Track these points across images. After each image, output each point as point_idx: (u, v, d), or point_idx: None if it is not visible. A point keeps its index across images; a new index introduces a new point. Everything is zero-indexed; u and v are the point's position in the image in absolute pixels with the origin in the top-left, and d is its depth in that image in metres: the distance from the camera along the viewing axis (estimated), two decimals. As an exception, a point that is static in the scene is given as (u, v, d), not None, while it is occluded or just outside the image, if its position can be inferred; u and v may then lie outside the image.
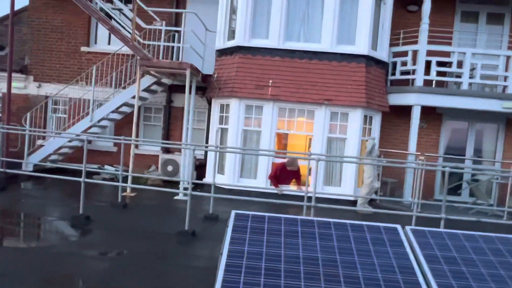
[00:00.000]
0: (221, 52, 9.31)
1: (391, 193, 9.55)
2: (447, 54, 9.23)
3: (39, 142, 9.94)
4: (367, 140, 8.80)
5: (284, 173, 8.57)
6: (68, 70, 10.70)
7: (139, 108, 10.55)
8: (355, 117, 8.63)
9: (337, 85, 8.57)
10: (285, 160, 8.37)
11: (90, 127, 9.48)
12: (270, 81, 8.61)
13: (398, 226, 4.19)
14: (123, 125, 10.44)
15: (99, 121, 9.59)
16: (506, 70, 8.88)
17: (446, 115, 10.22)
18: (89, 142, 10.21)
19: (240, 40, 8.78)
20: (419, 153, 8.71)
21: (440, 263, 3.81)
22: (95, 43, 10.99)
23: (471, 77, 8.87)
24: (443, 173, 9.73)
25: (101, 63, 9.71)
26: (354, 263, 3.66)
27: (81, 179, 5.88)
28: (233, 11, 9.26)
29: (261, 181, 8.74)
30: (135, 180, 9.52)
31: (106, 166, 10.22)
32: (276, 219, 4.30)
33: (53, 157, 9.61)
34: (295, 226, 4.23)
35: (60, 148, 9.58)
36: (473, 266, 3.78)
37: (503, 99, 8.77)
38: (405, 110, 9.48)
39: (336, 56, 8.63)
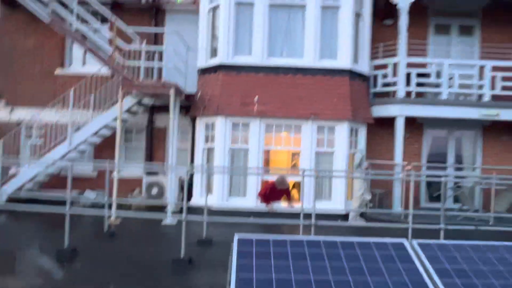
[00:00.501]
0: (204, 70, 9.20)
1: (380, 204, 9.58)
2: (425, 65, 9.51)
3: (12, 171, 9.37)
4: (354, 153, 8.84)
5: (274, 192, 8.43)
6: (43, 94, 10.23)
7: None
8: (342, 130, 8.66)
9: (322, 99, 8.60)
10: (274, 179, 8.27)
11: (68, 153, 9.04)
12: (256, 97, 8.54)
13: (405, 241, 4.13)
14: (102, 148, 10.03)
15: (78, 145, 9.18)
16: (481, 79, 9.20)
17: (427, 124, 10.45)
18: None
19: (223, 57, 8.71)
20: (406, 163, 8.81)
21: (452, 277, 3.76)
22: (70, 65, 10.63)
23: (449, 86, 9.13)
24: (428, 183, 9.97)
25: (79, 85, 9.35)
26: (368, 283, 3.55)
27: (64, 211, 5.51)
28: (214, 29, 9.21)
29: (251, 199, 8.55)
30: (118, 206, 9.12)
31: (86, 193, 9.74)
32: (281, 241, 4.14)
33: (28, 185, 9.07)
34: (301, 247, 4.08)
35: (35, 176, 9.06)
36: (485, 278, 3.74)
37: (482, 107, 9.06)
38: (388, 121, 9.62)
39: (319, 71, 8.70)
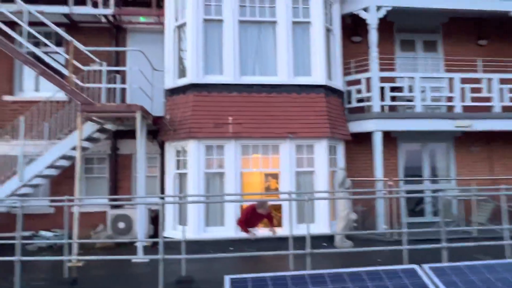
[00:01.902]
0: (172, 92, 8.60)
1: (362, 222, 9.26)
2: (393, 80, 9.53)
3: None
4: (334, 172, 8.50)
5: (255, 216, 7.87)
6: (-12, 123, 9.15)
7: (79, 159, 9.29)
8: (321, 148, 8.33)
9: (299, 117, 8.26)
10: (254, 203, 7.70)
11: (19, 188, 7.97)
12: (230, 118, 8.05)
13: (416, 266, 3.73)
14: (60, 180, 9.03)
15: (31, 179, 8.14)
16: (450, 91, 9.32)
17: (400, 138, 10.42)
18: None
19: (193, 77, 8.19)
20: (387, 179, 8.60)
21: (474, 302, 3.38)
22: (21, 90, 9.64)
23: (422, 99, 9.15)
24: (406, 198, 9.82)
25: (31, 112, 8.40)
26: (390, 321, 3.09)
27: (15, 258, 4.61)
28: (181, 47, 8.70)
29: (229, 228, 7.90)
30: (80, 246, 8.12)
31: (41, 232, 8.62)
32: (281, 278, 3.58)
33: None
34: (304, 284, 3.54)
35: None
36: (511, 303, 3.40)
37: (455, 119, 9.12)
38: (364, 137, 9.47)
39: (294, 88, 8.40)
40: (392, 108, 9.67)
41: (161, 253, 4.45)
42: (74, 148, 7.91)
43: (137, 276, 6.04)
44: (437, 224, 8.54)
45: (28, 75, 9.55)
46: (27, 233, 8.72)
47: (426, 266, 3.74)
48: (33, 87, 9.65)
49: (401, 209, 9.92)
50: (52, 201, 7.32)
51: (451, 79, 9.31)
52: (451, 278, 3.72)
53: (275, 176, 9.12)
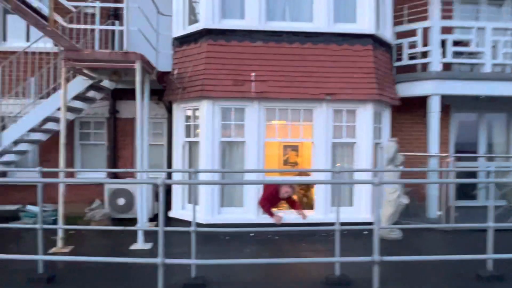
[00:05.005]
0: (182, 41, 6.96)
1: (406, 207, 7.72)
2: (452, 31, 7.64)
3: None
4: (378, 145, 6.91)
5: (276, 198, 6.50)
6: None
7: (72, 122, 7.88)
8: (365, 114, 6.67)
9: (339, 74, 6.57)
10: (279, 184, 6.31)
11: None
12: (253, 74, 6.41)
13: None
14: (51, 147, 7.66)
15: (15, 144, 6.79)
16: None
17: (454, 106, 8.65)
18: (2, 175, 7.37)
19: (207, 21, 6.50)
20: (446, 154, 6.96)
21: None
22: (4, 39, 8.13)
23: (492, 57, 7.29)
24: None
25: (9, 63, 6.90)
26: None
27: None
28: (193, -15, 6.98)
29: (249, 209, 6.47)
30: (72, 224, 6.84)
31: (28, 207, 7.36)
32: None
33: None
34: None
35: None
36: None
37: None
38: (412, 103, 7.79)
39: (334, 38, 6.65)
40: (446, 68, 7.84)
41: (160, 255, 3.01)
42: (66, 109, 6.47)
43: (134, 270, 4.66)
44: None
45: (14, 21, 8.01)
46: (12, 207, 7.55)
47: None
48: (22, 36, 8.12)
49: (451, 192, 8.31)
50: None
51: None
52: None
53: (305, 148, 7.59)
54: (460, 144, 8.91)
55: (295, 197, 7.75)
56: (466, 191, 8.54)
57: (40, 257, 4.02)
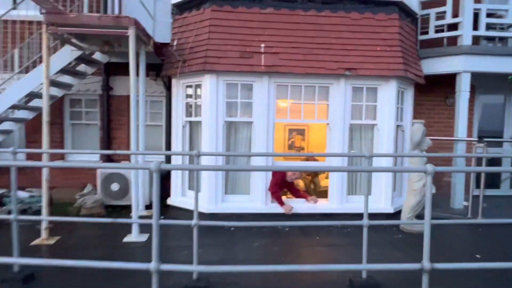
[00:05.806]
0: (182, 7, 6.17)
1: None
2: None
3: None
4: (399, 127, 6.20)
5: (286, 182, 5.87)
6: None
7: (62, 100, 7.17)
8: (388, 92, 5.94)
9: (360, 46, 5.81)
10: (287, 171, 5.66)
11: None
12: (262, 45, 5.66)
13: None
14: (38, 126, 6.96)
15: (-4, 123, 6.11)
16: None
17: (479, 87, 7.91)
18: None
19: (210, -17, 5.71)
20: (476, 139, 6.26)
21: None
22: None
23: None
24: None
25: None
26: None
27: None
28: None
29: (257, 197, 5.82)
30: (62, 211, 6.24)
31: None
32: None
33: None
34: None
35: None
36: None
37: None
38: (436, 81, 7.07)
39: (355, 5, 5.86)
40: (475, 42, 7.04)
41: (155, 259, 2.36)
42: (52, 84, 5.75)
43: (129, 270, 4.03)
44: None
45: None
46: (-2, 191, 6.91)
47: None
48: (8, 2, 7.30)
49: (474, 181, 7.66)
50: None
51: None
52: None
53: (311, 131, 6.88)
54: (484, 128, 8.22)
55: (301, 184, 7.13)
56: (487, 180, 7.90)
57: (14, 260, 3.37)
